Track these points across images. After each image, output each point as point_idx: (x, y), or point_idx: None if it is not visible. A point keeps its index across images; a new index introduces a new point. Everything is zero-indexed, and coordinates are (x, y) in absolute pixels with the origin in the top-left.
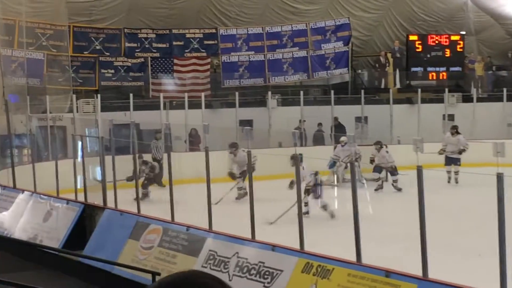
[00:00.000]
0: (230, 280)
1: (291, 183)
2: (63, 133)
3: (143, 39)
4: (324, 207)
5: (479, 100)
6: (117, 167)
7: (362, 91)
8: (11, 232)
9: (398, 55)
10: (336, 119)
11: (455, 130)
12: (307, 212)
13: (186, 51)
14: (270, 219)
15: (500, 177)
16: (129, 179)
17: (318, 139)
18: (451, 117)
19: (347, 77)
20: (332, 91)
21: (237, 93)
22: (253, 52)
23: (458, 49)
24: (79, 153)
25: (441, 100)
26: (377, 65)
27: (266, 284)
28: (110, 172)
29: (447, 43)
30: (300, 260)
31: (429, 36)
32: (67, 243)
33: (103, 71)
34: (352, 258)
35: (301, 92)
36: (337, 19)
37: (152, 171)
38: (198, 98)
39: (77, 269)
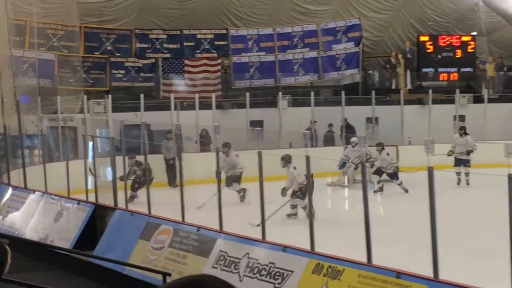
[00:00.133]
0: (240, 281)
1: (284, 190)
2: (74, 133)
3: (154, 40)
4: (305, 208)
5: (490, 101)
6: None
7: (373, 92)
8: (22, 233)
9: (409, 55)
10: (345, 120)
11: (463, 131)
12: (294, 214)
13: (197, 51)
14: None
15: (511, 178)
16: (121, 178)
17: (329, 140)
18: (462, 118)
19: (358, 77)
20: (343, 92)
21: (247, 94)
22: (264, 52)
23: (469, 50)
24: (90, 153)
25: (452, 101)
26: (388, 65)
27: (276, 285)
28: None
29: (458, 44)
30: (311, 261)
31: (440, 37)
32: (77, 244)
33: (114, 71)
34: (363, 259)
35: (312, 93)
36: (348, 20)
37: (144, 174)
38: (208, 99)
39: (88, 270)
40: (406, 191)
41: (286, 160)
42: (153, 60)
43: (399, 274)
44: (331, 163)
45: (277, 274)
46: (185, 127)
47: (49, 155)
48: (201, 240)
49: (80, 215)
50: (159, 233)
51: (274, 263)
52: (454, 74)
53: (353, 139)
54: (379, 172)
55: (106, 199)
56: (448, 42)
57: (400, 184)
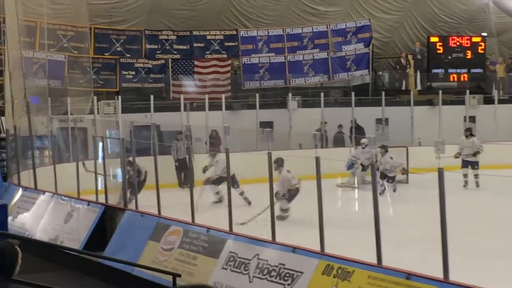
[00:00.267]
0: (250, 282)
1: (277, 194)
2: (84, 134)
3: (163, 41)
4: (285, 210)
5: (501, 102)
6: None
7: (383, 92)
8: (32, 233)
9: (419, 56)
10: (355, 121)
11: (469, 133)
12: (283, 217)
13: (207, 52)
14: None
15: None
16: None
17: (339, 141)
18: (472, 119)
19: (368, 78)
20: (353, 93)
21: (257, 95)
22: (274, 53)
23: (480, 51)
24: (100, 154)
25: (462, 102)
26: (397, 66)
27: (286, 286)
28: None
29: (468, 45)
30: (321, 262)
31: (450, 38)
32: (87, 244)
33: (123, 72)
34: (373, 260)
35: (322, 94)
36: (357, 21)
37: (138, 176)
38: (218, 100)
39: (98, 270)
40: (394, 190)
41: (279, 164)
42: (163, 61)
43: (409, 275)
44: (340, 164)
45: (287, 275)
46: (195, 128)
47: (59, 156)
48: (211, 241)
49: (90, 216)
50: (169, 234)
51: (284, 264)
52: (464, 75)
53: (364, 140)
54: (381, 175)
55: (116, 200)
56: (458, 43)
57: (394, 190)
